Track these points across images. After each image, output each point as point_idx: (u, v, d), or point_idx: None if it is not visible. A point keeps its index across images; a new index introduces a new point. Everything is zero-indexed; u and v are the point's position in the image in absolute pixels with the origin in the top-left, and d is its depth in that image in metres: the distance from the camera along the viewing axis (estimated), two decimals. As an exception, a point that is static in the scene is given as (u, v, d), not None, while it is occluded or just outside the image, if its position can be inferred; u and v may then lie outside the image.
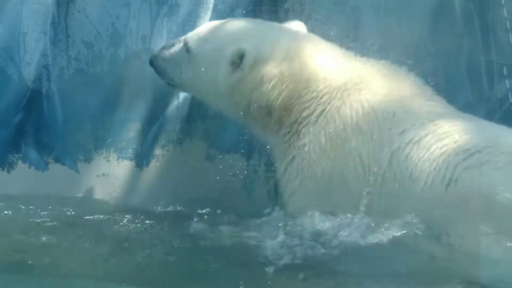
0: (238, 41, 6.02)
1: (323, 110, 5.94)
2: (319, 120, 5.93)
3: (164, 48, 6.34)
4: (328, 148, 5.85)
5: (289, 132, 6.04)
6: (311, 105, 5.98)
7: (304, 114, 5.98)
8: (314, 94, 5.99)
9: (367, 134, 5.80)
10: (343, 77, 6.01)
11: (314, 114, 5.96)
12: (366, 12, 7.05)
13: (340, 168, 5.81)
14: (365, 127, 5.82)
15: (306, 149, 5.91)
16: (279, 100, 5.99)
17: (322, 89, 5.99)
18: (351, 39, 6.95)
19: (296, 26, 6.28)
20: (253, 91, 6.02)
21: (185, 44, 6.21)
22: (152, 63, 6.36)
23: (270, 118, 6.06)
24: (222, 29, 6.16)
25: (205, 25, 6.32)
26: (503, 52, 6.97)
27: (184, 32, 6.80)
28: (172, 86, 6.41)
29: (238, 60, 5.98)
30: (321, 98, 5.97)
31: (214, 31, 6.17)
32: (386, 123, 5.80)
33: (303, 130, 5.96)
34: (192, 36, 6.23)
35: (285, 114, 6.01)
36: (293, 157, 5.98)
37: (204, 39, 6.16)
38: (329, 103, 5.94)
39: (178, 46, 6.26)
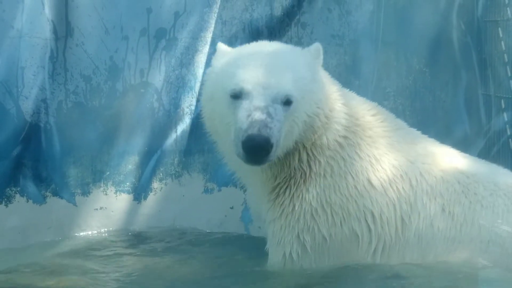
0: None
1: (334, 164, 5.65)
2: (330, 174, 5.64)
3: (267, 127, 5.32)
4: (337, 204, 5.63)
5: (294, 182, 5.69)
6: (327, 155, 5.66)
7: (314, 165, 5.65)
8: (327, 146, 5.67)
9: (380, 191, 5.66)
10: (353, 128, 5.72)
11: (324, 167, 5.65)
12: (364, 45, 7.09)
13: (351, 226, 5.62)
14: (377, 183, 5.65)
15: (313, 205, 5.61)
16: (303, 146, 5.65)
17: (335, 141, 5.69)
18: (349, 71, 6.98)
19: (315, 49, 5.73)
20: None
21: (282, 103, 5.44)
22: (267, 143, 5.30)
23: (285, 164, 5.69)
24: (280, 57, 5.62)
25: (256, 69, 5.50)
26: (501, 85, 7.00)
27: (182, 65, 6.84)
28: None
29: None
30: (342, 149, 5.68)
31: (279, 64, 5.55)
32: (396, 179, 5.69)
33: (313, 183, 5.64)
34: (286, 88, 5.45)
35: (307, 157, 5.67)
36: (292, 211, 5.66)
37: (295, 78, 5.50)
38: (341, 157, 5.67)
39: (275, 113, 5.38)
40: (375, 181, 5.64)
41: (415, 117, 6.98)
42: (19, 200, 6.72)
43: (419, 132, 5.93)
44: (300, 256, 5.61)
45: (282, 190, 5.67)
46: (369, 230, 5.61)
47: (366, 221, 5.61)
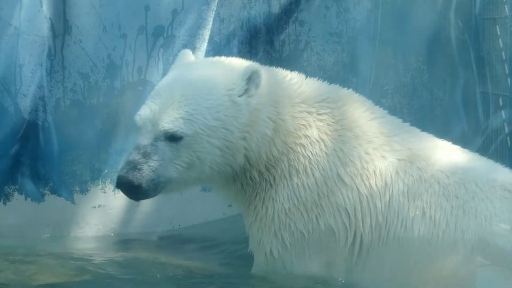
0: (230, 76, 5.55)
1: (298, 164, 5.61)
2: (296, 175, 5.60)
3: (137, 170, 5.39)
4: (309, 201, 5.61)
5: (263, 186, 5.67)
6: (287, 159, 5.61)
7: (276, 172, 5.62)
8: (291, 148, 5.62)
9: (350, 187, 5.62)
10: (315, 124, 5.66)
11: (288, 169, 5.62)
12: (362, 43, 7.10)
13: (326, 221, 5.60)
14: (348, 179, 5.62)
15: (285, 205, 5.60)
16: (270, 152, 5.62)
17: (305, 140, 5.64)
18: (347, 69, 6.98)
19: (244, 72, 5.49)
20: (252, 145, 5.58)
21: (167, 139, 5.42)
22: (138, 189, 5.40)
23: (245, 173, 5.66)
24: (195, 85, 5.52)
25: (154, 106, 5.42)
26: (499, 83, 7.00)
27: (180, 63, 6.84)
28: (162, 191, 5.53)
29: (246, 84, 5.47)
30: (304, 149, 5.63)
31: (184, 95, 5.46)
32: (368, 174, 5.63)
33: (281, 184, 5.62)
34: (166, 126, 5.40)
35: (259, 173, 5.65)
36: (266, 213, 5.64)
37: (187, 112, 5.43)
38: (304, 156, 5.62)
39: (155, 152, 5.42)
40: (345, 177, 5.59)
41: (413, 115, 6.99)
42: (17, 198, 6.73)
43: (399, 121, 5.84)
44: (280, 253, 5.61)
45: (253, 197, 5.66)
46: (345, 226, 5.58)
47: (341, 217, 5.57)
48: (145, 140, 5.40)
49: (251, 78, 5.44)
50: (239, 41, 6.93)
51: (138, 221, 6.92)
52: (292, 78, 5.72)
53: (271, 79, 5.62)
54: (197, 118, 5.43)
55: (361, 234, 5.57)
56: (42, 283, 5.76)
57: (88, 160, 6.82)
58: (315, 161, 5.60)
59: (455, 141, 6.07)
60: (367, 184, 5.57)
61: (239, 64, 5.59)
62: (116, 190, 6.85)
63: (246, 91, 5.44)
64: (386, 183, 5.58)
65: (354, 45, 7.08)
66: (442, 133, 6.15)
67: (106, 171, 6.86)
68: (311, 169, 5.58)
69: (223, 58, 5.66)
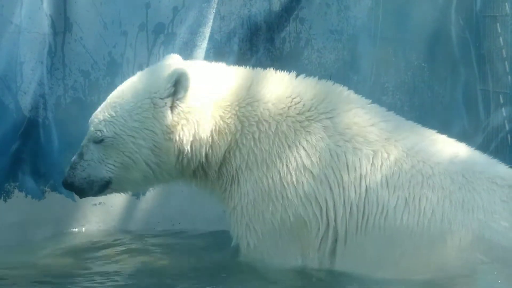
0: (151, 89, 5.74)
1: (262, 156, 5.70)
2: (257, 167, 5.70)
3: (72, 168, 5.81)
4: (273, 192, 5.68)
5: (228, 181, 5.81)
6: (247, 152, 5.73)
7: (242, 165, 5.74)
8: (249, 141, 5.73)
9: (319, 178, 5.66)
10: (277, 119, 5.74)
11: (252, 160, 5.72)
12: (363, 41, 7.09)
13: (295, 211, 5.67)
14: (316, 170, 5.65)
15: (250, 197, 5.71)
16: (219, 154, 5.76)
17: (258, 135, 5.73)
18: (348, 67, 6.98)
19: (170, 76, 5.68)
20: (194, 147, 5.75)
21: (94, 141, 5.78)
22: (72, 186, 5.85)
23: (206, 171, 5.84)
24: (123, 93, 5.82)
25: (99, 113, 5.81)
26: (500, 81, 7.00)
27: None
28: (108, 190, 5.87)
29: (173, 87, 5.64)
30: (259, 143, 5.73)
31: (112, 101, 5.82)
32: (340, 166, 5.67)
33: (242, 178, 5.73)
34: (91, 128, 5.81)
35: (221, 168, 5.80)
36: (235, 206, 5.78)
37: (109, 115, 5.77)
38: (267, 148, 5.70)
39: (86, 152, 5.80)
40: (313, 168, 5.64)
41: (414, 113, 6.97)
42: (18, 196, 6.73)
43: (382, 109, 5.85)
44: (256, 244, 5.73)
45: (223, 192, 5.84)
46: (316, 216, 5.64)
47: (312, 207, 5.63)
48: (84, 141, 5.85)
49: (179, 81, 5.61)
50: (240, 38, 6.93)
51: (139, 218, 6.93)
52: (260, 74, 5.87)
53: (216, 80, 5.79)
54: (117, 120, 5.72)
55: (334, 224, 5.61)
56: (42, 280, 5.77)
57: (88, 157, 6.82)
58: (275, 153, 5.67)
59: (456, 139, 6.07)
60: (338, 175, 5.61)
61: (173, 67, 5.72)
62: (117, 188, 6.87)
63: (174, 93, 5.62)
64: (361, 175, 5.61)
65: (354, 42, 7.07)
66: (443, 130, 6.14)
67: (107, 168, 6.85)
68: (271, 160, 5.66)
69: (175, 62, 5.88)
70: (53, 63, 6.69)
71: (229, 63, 6.68)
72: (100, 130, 5.75)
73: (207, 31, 6.88)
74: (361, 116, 5.76)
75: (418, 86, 7.12)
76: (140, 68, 6.79)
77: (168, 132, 5.67)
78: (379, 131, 5.71)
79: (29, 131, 6.68)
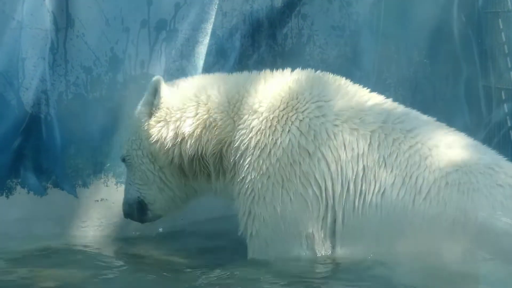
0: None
1: (256, 142, 5.80)
2: (254, 152, 5.79)
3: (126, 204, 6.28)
4: (272, 173, 5.76)
5: (229, 174, 5.93)
6: (241, 143, 5.82)
7: (238, 154, 5.84)
8: (242, 131, 5.84)
9: (317, 156, 5.73)
10: (266, 105, 5.84)
11: (247, 148, 5.81)
12: (365, 37, 7.10)
13: (295, 191, 5.73)
14: (312, 149, 5.71)
15: (249, 183, 5.79)
16: (210, 148, 5.92)
17: (250, 123, 5.83)
18: (350, 63, 6.98)
19: (150, 87, 6.05)
20: (182, 144, 5.94)
21: (124, 163, 6.21)
22: (125, 214, 6.32)
23: (204, 167, 5.99)
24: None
25: None
26: (502, 77, 7.01)
27: (182, 57, 6.86)
28: (149, 213, 6.22)
29: (153, 95, 5.95)
30: (251, 131, 5.82)
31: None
32: (337, 145, 5.73)
33: (240, 167, 5.83)
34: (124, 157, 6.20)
35: (221, 160, 5.94)
36: (237, 196, 5.87)
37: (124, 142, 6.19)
38: (260, 135, 5.80)
39: (126, 178, 6.27)
40: (309, 147, 5.70)
41: (416, 109, 6.87)
42: (20, 192, 6.73)
43: (381, 96, 5.95)
44: (260, 231, 5.79)
45: (227, 185, 5.97)
46: (316, 196, 5.68)
47: (311, 186, 5.68)
48: None
49: (155, 89, 5.95)
50: (242, 35, 6.94)
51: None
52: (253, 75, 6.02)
53: (203, 81, 6.06)
54: (125, 138, 6.15)
55: (332, 204, 5.67)
56: (43, 277, 5.78)
57: (90, 153, 6.82)
58: (268, 136, 5.76)
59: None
60: (336, 154, 5.66)
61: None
62: (119, 184, 6.87)
63: (152, 101, 5.95)
64: (358, 154, 5.66)
65: (356, 39, 7.09)
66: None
67: (109, 164, 6.86)
68: (265, 144, 5.74)
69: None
70: (55, 59, 6.69)
71: (231, 59, 6.73)
72: (121, 152, 6.20)
73: (209, 27, 6.88)
74: (357, 101, 5.83)
75: (420, 82, 7.14)
76: (142, 64, 6.82)
77: (150, 136, 5.94)
78: (376, 114, 5.78)
79: (31, 127, 6.67)
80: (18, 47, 6.58)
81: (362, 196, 5.64)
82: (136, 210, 6.19)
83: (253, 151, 5.77)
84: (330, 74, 5.94)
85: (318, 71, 5.95)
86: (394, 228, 5.58)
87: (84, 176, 6.83)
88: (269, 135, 5.77)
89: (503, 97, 7.03)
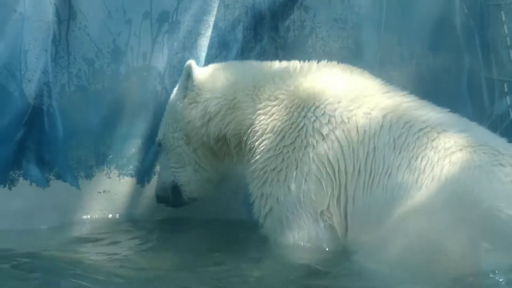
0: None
1: (274, 125, 6.05)
2: (272, 135, 6.04)
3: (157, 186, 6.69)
4: (286, 155, 5.98)
5: (247, 155, 6.18)
6: (260, 127, 6.10)
7: (255, 137, 6.10)
8: (262, 116, 6.10)
9: (330, 138, 5.90)
10: (288, 93, 6.10)
11: (265, 131, 6.07)
12: (367, 29, 7.09)
13: (309, 172, 5.90)
14: (325, 131, 5.92)
15: (264, 164, 6.03)
16: (231, 129, 6.20)
17: (270, 108, 6.09)
18: (352, 55, 6.97)
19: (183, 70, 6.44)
20: (209, 123, 6.25)
21: (159, 147, 6.58)
22: (158, 198, 6.67)
23: (228, 148, 6.28)
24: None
25: None
26: (504, 69, 7.01)
27: (185, 49, 6.86)
28: (184, 196, 6.53)
29: (187, 79, 6.31)
30: (271, 115, 6.08)
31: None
32: (349, 127, 5.91)
33: (257, 148, 6.08)
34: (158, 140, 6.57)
35: (240, 142, 6.20)
36: (252, 177, 6.10)
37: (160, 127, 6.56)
38: (277, 118, 6.06)
39: (160, 163, 6.66)
40: (322, 129, 5.93)
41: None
42: (22, 183, 6.74)
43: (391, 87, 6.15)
44: (274, 210, 6.00)
45: (244, 166, 6.24)
46: (329, 176, 5.86)
47: (325, 167, 5.87)
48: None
49: (189, 73, 6.31)
50: (244, 27, 6.93)
51: (143, 206, 6.93)
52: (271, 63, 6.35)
53: (234, 67, 6.38)
54: (162, 122, 6.52)
55: (346, 183, 5.83)
56: (46, 269, 5.77)
57: (93, 145, 6.83)
58: (285, 120, 6.02)
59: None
60: (348, 136, 5.86)
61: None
62: (121, 176, 6.88)
63: (187, 85, 6.31)
64: (369, 136, 5.84)
65: (359, 31, 7.07)
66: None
67: (111, 156, 6.87)
68: (282, 128, 6.00)
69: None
70: (58, 51, 6.69)
71: (233, 51, 6.73)
72: (157, 137, 6.56)
73: (211, 19, 6.88)
74: (372, 88, 6.10)
75: (423, 74, 7.12)
76: (144, 56, 6.82)
77: (185, 117, 6.32)
78: (388, 99, 6.00)
79: (34, 119, 6.69)
80: (20, 39, 6.59)
81: (372, 177, 5.79)
82: (171, 193, 6.51)
83: (269, 135, 6.03)
84: (355, 67, 6.22)
85: (342, 64, 6.23)
86: (397, 207, 5.67)
87: (86, 167, 6.84)
88: (286, 120, 6.01)
89: (506, 89, 7.02)
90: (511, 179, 5.54)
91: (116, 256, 6.19)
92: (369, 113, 5.92)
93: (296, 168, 5.92)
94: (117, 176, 6.89)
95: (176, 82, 6.78)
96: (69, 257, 6.05)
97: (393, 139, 5.82)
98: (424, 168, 5.68)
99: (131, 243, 6.53)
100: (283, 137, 5.99)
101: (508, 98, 7.02)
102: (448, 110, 6.06)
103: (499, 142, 5.85)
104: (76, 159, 6.82)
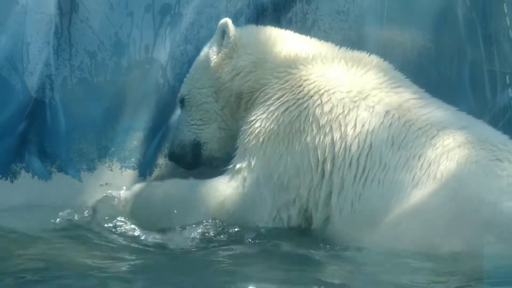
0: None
1: (281, 97, 6.13)
2: (276, 104, 6.12)
3: (171, 141, 6.82)
4: (281, 135, 6.05)
5: (248, 113, 6.30)
6: (270, 91, 6.20)
7: (263, 99, 6.22)
8: (275, 81, 6.21)
9: (324, 129, 5.96)
10: (307, 69, 6.19)
11: (272, 99, 6.16)
12: (369, 21, 7.09)
13: (292, 157, 5.98)
14: (323, 121, 5.95)
15: (258, 130, 6.11)
16: (248, 85, 6.32)
17: (286, 79, 6.19)
18: (354, 47, 6.96)
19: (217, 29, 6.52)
20: (234, 78, 6.37)
21: (180, 106, 6.65)
22: (173, 156, 6.74)
23: (241, 105, 6.38)
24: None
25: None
26: (506, 61, 7.02)
27: (187, 41, 6.85)
28: (203, 154, 6.61)
29: (222, 36, 6.43)
30: (283, 88, 6.16)
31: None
32: (348, 120, 5.93)
33: (259, 112, 6.17)
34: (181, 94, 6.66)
35: (250, 100, 6.32)
36: (244, 139, 6.19)
37: (186, 77, 6.65)
38: (288, 93, 6.12)
39: (178, 121, 6.72)
40: (320, 118, 5.98)
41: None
42: (24, 176, 6.73)
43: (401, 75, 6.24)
44: (254, 166, 6.08)
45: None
46: (310, 167, 5.93)
47: (309, 156, 5.93)
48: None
49: (224, 31, 6.42)
50: (246, 19, 6.92)
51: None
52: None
53: (266, 30, 6.52)
54: (188, 78, 6.57)
55: (329, 176, 5.88)
56: (47, 261, 5.76)
57: (95, 138, 6.82)
58: (294, 99, 6.09)
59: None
60: (343, 129, 5.88)
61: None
62: (123, 168, 6.88)
63: (222, 42, 6.44)
64: (367, 131, 5.86)
65: (361, 23, 7.07)
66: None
67: (113, 149, 6.86)
68: (287, 99, 6.09)
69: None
70: (60, 44, 6.69)
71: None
72: (180, 93, 6.60)
73: (213, 11, 6.88)
74: (376, 80, 6.12)
75: (425, 66, 7.12)
76: (146, 49, 6.81)
77: (217, 72, 6.42)
78: (393, 94, 6.02)
79: (36, 111, 6.68)
80: (22, 32, 6.58)
81: (366, 172, 5.81)
82: (190, 151, 6.58)
83: (275, 102, 6.11)
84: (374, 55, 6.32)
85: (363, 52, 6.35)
86: (394, 204, 5.69)
87: (88, 160, 6.83)
88: (294, 92, 6.08)
89: (508, 82, 7.03)
90: (507, 174, 5.56)
91: (118, 249, 6.16)
92: (373, 107, 5.94)
93: (286, 149, 5.99)
94: (119, 169, 6.89)
95: (178, 74, 6.83)
96: (70, 250, 6.04)
97: (392, 137, 5.83)
98: (421, 166, 5.69)
99: (132, 236, 6.49)
100: (285, 109, 6.07)
101: (510, 90, 7.03)
102: (457, 109, 6.11)
103: (500, 139, 5.87)
104: (78, 152, 6.81)
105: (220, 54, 6.41)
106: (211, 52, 6.47)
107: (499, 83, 7.10)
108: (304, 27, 6.99)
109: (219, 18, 6.81)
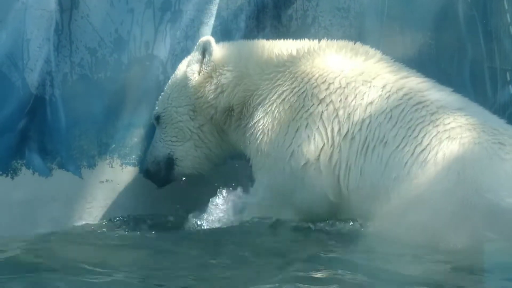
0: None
1: (276, 92, 6.23)
2: (271, 98, 6.22)
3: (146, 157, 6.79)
4: (283, 119, 6.15)
5: (245, 119, 6.38)
6: (263, 91, 6.29)
7: (258, 101, 6.30)
8: (266, 82, 6.29)
9: (326, 101, 6.07)
10: (292, 61, 6.30)
11: (267, 95, 6.25)
12: (370, 18, 7.10)
13: (299, 128, 6.09)
14: (322, 95, 6.09)
15: (262, 124, 6.21)
16: (237, 96, 6.38)
17: (275, 76, 6.28)
18: (355, 44, 6.96)
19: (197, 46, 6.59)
20: (219, 96, 6.43)
21: (156, 123, 6.67)
22: (147, 173, 6.76)
23: (232, 117, 6.43)
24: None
25: None
26: (507, 58, 7.03)
27: (187, 38, 6.85)
28: (176, 170, 6.67)
29: (202, 54, 6.47)
30: (275, 81, 6.26)
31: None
32: (347, 93, 6.05)
33: (258, 111, 6.25)
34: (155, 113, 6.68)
35: (242, 108, 6.40)
36: (250, 138, 6.28)
37: (162, 94, 6.67)
38: (280, 83, 6.24)
39: (154, 138, 6.70)
40: (319, 94, 6.10)
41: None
42: (25, 173, 6.73)
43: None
44: (265, 163, 6.22)
45: (243, 134, 6.44)
46: (320, 134, 6.03)
47: (317, 125, 6.04)
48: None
49: (205, 48, 6.47)
50: (247, 15, 6.93)
51: (145, 196, 6.92)
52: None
53: (241, 44, 6.59)
54: (165, 96, 6.61)
55: (340, 144, 5.97)
56: (48, 258, 5.78)
57: (95, 134, 6.83)
58: (287, 85, 6.22)
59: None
60: (344, 100, 6.00)
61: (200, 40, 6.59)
62: (124, 165, 6.88)
63: (202, 60, 6.49)
64: (367, 103, 5.97)
65: (361, 20, 7.08)
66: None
67: (114, 146, 6.86)
68: (282, 91, 6.21)
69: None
70: (60, 40, 6.69)
71: (235, 40, 6.72)
72: (156, 110, 6.62)
73: (214, 8, 6.88)
74: (377, 64, 6.24)
75: (425, 63, 7.12)
76: (147, 45, 6.81)
77: (198, 91, 6.45)
78: (394, 75, 6.13)
79: (36, 108, 6.68)
80: (23, 28, 6.59)
81: (366, 144, 5.89)
82: (164, 168, 6.62)
83: (271, 97, 6.21)
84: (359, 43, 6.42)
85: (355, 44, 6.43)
86: (393, 180, 5.76)
87: (89, 157, 6.84)
88: (288, 84, 6.18)
89: (508, 78, 7.04)
90: (511, 157, 5.59)
91: (118, 245, 6.19)
92: (370, 82, 6.04)
93: (288, 126, 6.10)
94: (120, 166, 6.89)
95: (178, 71, 6.82)
96: (71, 246, 6.05)
97: (390, 109, 5.92)
98: (422, 141, 5.75)
99: (133, 233, 6.53)
100: (283, 100, 6.16)
101: (510, 87, 7.04)
102: (452, 90, 6.18)
103: (498, 122, 5.94)
104: (79, 149, 6.81)
105: (202, 73, 6.47)
106: (189, 71, 6.52)
107: (499, 80, 7.11)
108: (305, 24, 6.99)
109: (220, 15, 6.85)
